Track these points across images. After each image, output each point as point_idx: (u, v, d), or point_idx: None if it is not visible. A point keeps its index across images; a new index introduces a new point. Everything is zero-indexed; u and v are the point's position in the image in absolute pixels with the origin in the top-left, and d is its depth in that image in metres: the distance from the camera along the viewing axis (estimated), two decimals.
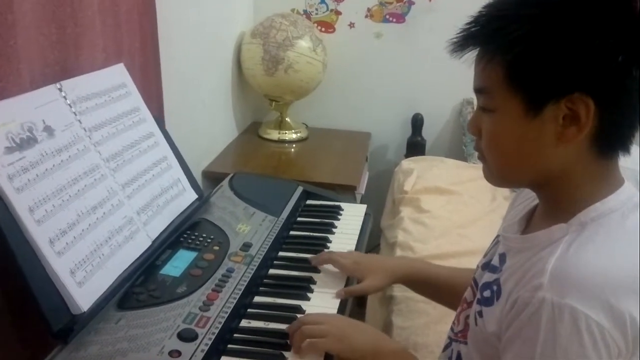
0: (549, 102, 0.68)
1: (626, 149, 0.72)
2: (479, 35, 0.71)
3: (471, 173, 2.12)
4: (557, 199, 0.75)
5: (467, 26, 0.72)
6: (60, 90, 1.02)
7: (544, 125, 0.69)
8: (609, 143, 0.70)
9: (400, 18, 2.41)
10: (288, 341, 0.95)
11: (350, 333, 0.94)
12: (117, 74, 1.20)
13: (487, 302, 0.78)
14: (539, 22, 0.66)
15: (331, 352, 0.92)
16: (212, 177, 1.92)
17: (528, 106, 0.69)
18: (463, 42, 0.72)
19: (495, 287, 0.77)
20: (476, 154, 2.37)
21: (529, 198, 0.86)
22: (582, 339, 0.63)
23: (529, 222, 0.82)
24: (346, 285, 1.15)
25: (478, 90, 0.74)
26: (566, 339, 0.63)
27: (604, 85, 0.66)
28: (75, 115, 1.04)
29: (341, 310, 1.09)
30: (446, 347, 0.94)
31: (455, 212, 1.90)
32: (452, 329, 0.93)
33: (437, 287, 1.13)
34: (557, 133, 0.69)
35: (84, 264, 0.93)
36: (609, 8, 0.65)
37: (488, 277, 0.81)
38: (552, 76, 0.67)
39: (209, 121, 2.03)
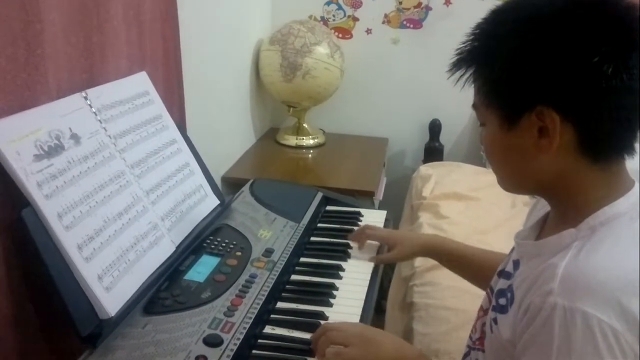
0: (521, 116, 0.71)
1: (627, 152, 0.72)
2: (466, 55, 0.76)
3: (490, 179, 2.09)
4: (564, 205, 0.76)
5: (461, 45, 0.77)
6: (85, 98, 1.04)
7: (521, 137, 0.72)
8: (597, 150, 0.71)
9: (417, 24, 2.42)
10: (311, 346, 0.95)
11: (373, 341, 0.93)
12: (140, 82, 1.21)
13: (502, 309, 0.79)
14: (505, 39, 0.71)
15: None
16: (231, 183, 1.93)
17: (503, 120, 0.73)
18: (456, 63, 0.77)
19: (509, 294, 0.78)
20: None
21: (545, 205, 0.86)
22: (597, 343, 0.63)
23: (542, 229, 0.83)
24: (369, 288, 1.15)
25: (472, 107, 0.80)
26: (581, 344, 0.63)
27: (564, 97, 0.68)
28: (101, 123, 1.05)
29: (363, 317, 1.09)
30: (465, 355, 0.94)
31: (475, 218, 1.90)
32: (470, 337, 0.94)
33: (464, 263, 1.18)
34: (534, 144, 0.71)
35: (111, 269, 0.94)
36: (560, 22, 0.68)
37: (502, 284, 0.82)
38: (516, 91, 0.71)
39: (227, 127, 2.05)
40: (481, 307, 0.91)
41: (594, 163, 0.72)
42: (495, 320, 0.80)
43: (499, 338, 0.78)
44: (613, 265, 0.67)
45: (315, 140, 2.36)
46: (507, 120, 0.73)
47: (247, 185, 1.50)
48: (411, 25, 2.42)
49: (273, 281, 1.09)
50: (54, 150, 0.93)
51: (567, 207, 0.75)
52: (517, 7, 0.73)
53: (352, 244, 1.33)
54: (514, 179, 0.79)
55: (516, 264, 0.81)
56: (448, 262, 1.23)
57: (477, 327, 0.89)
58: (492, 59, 0.72)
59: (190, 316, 0.94)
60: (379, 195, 2.10)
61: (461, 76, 0.76)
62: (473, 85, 0.77)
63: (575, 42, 0.67)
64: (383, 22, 2.44)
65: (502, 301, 0.79)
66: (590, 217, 0.71)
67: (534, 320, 0.68)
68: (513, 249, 0.87)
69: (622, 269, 0.66)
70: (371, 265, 1.26)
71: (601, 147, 0.71)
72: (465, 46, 0.76)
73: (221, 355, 0.87)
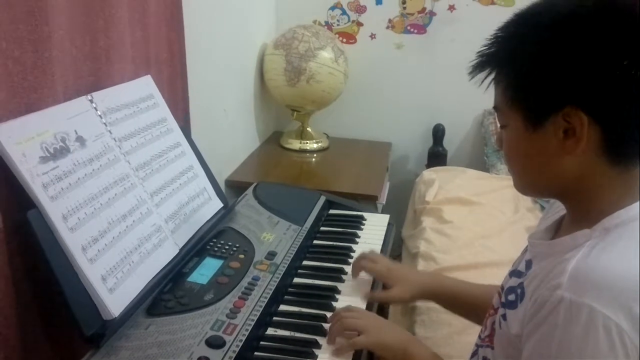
0: (547, 117, 0.71)
1: None
2: (489, 57, 0.76)
3: (493, 184, 2.12)
4: (581, 207, 0.77)
5: (483, 48, 0.77)
6: (91, 101, 1.05)
7: (545, 139, 0.72)
8: (620, 152, 0.72)
9: (421, 29, 2.43)
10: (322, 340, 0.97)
11: (385, 331, 0.98)
12: (145, 86, 1.22)
13: (511, 305, 0.80)
14: (530, 41, 0.71)
15: (366, 348, 0.97)
16: (235, 186, 1.94)
17: (528, 121, 0.73)
18: (478, 65, 0.77)
19: (519, 291, 0.79)
20: (498, 164, 2.35)
21: (561, 208, 0.87)
22: (598, 338, 0.63)
23: (557, 231, 0.84)
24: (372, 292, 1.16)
25: (493, 108, 0.80)
26: (582, 337, 0.64)
27: (594, 99, 0.68)
28: (106, 125, 1.06)
29: None
30: (473, 354, 0.95)
31: (478, 222, 1.89)
32: (479, 336, 0.95)
33: (466, 304, 1.13)
34: (559, 145, 0.72)
35: (114, 271, 0.95)
36: (592, 25, 0.68)
37: (513, 282, 0.83)
38: (544, 93, 0.71)
39: (231, 131, 2.06)
40: (491, 305, 0.92)
41: (614, 166, 0.72)
42: (504, 316, 0.81)
43: (507, 333, 0.79)
44: (624, 266, 0.67)
45: (319, 144, 2.36)
46: (532, 121, 0.73)
47: (251, 188, 1.51)
48: (415, 31, 2.43)
49: (276, 284, 1.10)
50: (60, 152, 0.94)
51: (583, 209, 0.76)
52: (544, 10, 0.73)
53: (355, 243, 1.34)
54: (533, 181, 0.80)
55: (528, 263, 0.82)
56: (447, 304, 1.19)
57: (487, 325, 0.91)
58: (518, 60, 0.72)
59: (193, 318, 0.95)
60: (382, 199, 2.10)
61: (485, 78, 0.77)
62: (494, 88, 0.77)
63: (606, 45, 0.67)
64: (387, 27, 2.44)
65: (512, 297, 0.80)
66: (606, 219, 0.72)
67: (539, 312, 0.69)
68: (526, 250, 0.88)
69: (633, 271, 0.66)
70: None
71: (624, 150, 0.72)
72: (488, 48, 0.76)
73: (223, 357, 0.88)
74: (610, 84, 0.67)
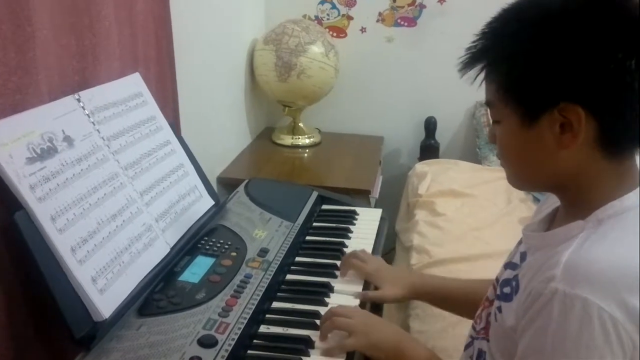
0: (543, 112, 0.71)
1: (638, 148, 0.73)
2: (480, 52, 0.76)
3: (486, 175, 2.12)
4: (575, 199, 0.77)
5: (472, 44, 0.77)
6: (78, 100, 1.03)
7: (542, 134, 0.72)
8: (615, 144, 0.72)
9: (411, 22, 2.42)
10: (315, 337, 0.97)
11: (375, 330, 0.98)
12: (133, 84, 1.21)
13: (506, 297, 0.80)
14: (522, 37, 0.71)
15: (357, 349, 0.96)
16: (227, 183, 1.93)
17: (523, 117, 0.73)
18: (469, 60, 0.77)
19: (514, 283, 0.79)
20: (490, 156, 2.35)
21: (555, 200, 0.88)
22: (593, 330, 0.64)
23: (552, 223, 0.84)
24: (364, 290, 1.15)
25: (486, 104, 0.80)
26: (577, 329, 0.64)
27: (591, 93, 0.68)
28: (94, 125, 1.05)
29: None
30: (467, 346, 0.96)
31: (471, 215, 1.90)
32: (473, 327, 0.95)
33: (456, 301, 1.15)
34: (555, 140, 0.72)
35: (104, 272, 0.94)
36: (583, 19, 0.68)
37: (508, 274, 0.84)
38: (539, 89, 0.71)
39: (222, 127, 2.05)
40: (486, 297, 0.93)
41: (610, 158, 0.72)
42: (499, 309, 0.81)
43: (502, 326, 0.79)
44: (617, 257, 0.67)
45: (311, 139, 2.36)
46: (527, 117, 0.72)
47: (242, 185, 1.50)
48: (405, 24, 2.42)
49: (268, 281, 1.09)
50: (47, 152, 0.93)
51: (577, 202, 0.76)
52: (533, 5, 0.72)
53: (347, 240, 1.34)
54: (528, 176, 0.80)
55: (523, 255, 0.82)
56: (437, 302, 1.20)
57: (482, 317, 0.91)
58: (511, 57, 0.72)
59: (185, 317, 0.94)
60: (375, 193, 2.10)
61: (477, 75, 0.76)
62: (485, 83, 0.77)
63: (599, 38, 0.67)
64: (377, 21, 2.44)
65: (507, 290, 0.81)
66: (599, 210, 0.72)
67: (533, 305, 0.69)
68: (520, 242, 0.89)
69: (625, 261, 0.67)
70: None
71: (620, 142, 0.72)
72: (478, 44, 0.76)
73: (216, 356, 0.87)
74: (606, 77, 0.67)
